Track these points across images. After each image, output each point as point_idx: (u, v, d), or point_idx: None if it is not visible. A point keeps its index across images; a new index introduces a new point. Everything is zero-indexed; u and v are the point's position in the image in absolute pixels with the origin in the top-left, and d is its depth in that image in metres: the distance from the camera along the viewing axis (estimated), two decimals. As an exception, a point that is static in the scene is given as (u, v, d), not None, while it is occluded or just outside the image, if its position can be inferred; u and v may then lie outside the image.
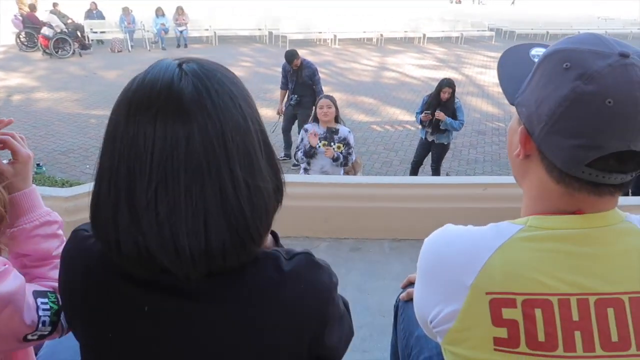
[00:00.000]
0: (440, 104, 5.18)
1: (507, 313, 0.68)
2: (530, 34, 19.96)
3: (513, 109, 0.80)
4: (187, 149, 0.63)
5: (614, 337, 0.67)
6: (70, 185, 4.09)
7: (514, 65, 0.83)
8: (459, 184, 3.17)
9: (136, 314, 0.72)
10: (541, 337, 0.67)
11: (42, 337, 0.91)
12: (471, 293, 0.70)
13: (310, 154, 4.24)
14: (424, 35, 17.74)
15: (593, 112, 0.65)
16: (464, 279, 0.71)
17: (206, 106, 0.64)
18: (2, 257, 0.83)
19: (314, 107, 6.51)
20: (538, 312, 0.67)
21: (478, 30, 18.96)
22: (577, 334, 0.67)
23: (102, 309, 0.74)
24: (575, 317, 0.67)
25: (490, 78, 11.77)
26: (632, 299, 0.68)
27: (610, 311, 0.67)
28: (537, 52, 0.84)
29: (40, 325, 0.88)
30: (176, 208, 0.64)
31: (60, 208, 2.89)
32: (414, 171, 5.87)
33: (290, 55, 6.20)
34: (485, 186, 2.98)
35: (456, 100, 5.27)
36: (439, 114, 5.08)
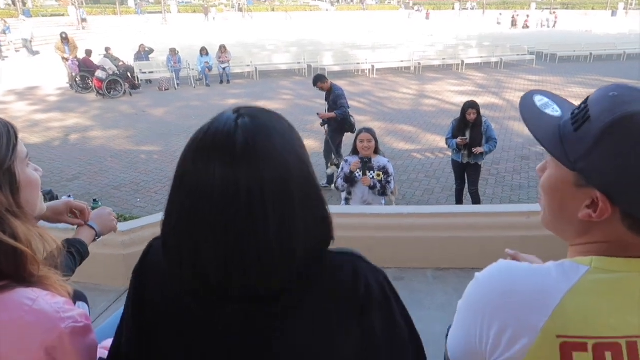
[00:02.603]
0: (469, 126, 5.32)
1: (578, 357, 0.69)
2: (572, 56, 19.59)
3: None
4: (235, 191, 0.74)
5: None
6: (125, 219, 4.30)
7: (538, 120, 0.84)
8: (502, 213, 3.16)
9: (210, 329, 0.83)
10: None
11: None
12: (542, 335, 0.71)
13: (350, 179, 4.31)
14: (462, 61, 17.72)
15: None
16: (535, 320, 0.72)
17: (250, 156, 0.75)
18: (84, 311, 0.92)
19: (342, 131, 6.83)
20: (608, 355, 0.69)
21: (518, 55, 18.76)
22: None
23: (182, 331, 0.85)
24: None
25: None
26: None
27: None
28: (541, 100, 0.87)
29: None
30: (227, 242, 0.76)
31: (116, 242, 3.07)
32: (459, 199, 5.86)
33: (315, 78, 6.93)
34: (528, 214, 2.95)
35: (484, 119, 5.41)
36: (477, 150, 5.31)
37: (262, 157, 0.75)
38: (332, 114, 6.69)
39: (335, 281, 0.84)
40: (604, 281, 0.73)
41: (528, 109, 0.86)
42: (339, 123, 6.76)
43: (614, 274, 0.73)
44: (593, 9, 53.85)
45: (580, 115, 0.76)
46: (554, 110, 0.86)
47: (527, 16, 38.01)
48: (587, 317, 0.70)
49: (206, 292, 0.81)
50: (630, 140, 0.69)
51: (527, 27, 35.49)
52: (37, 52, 21.54)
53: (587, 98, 0.79)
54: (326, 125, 6.93)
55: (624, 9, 49.35)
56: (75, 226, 1.49)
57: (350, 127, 6.81)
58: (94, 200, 6.01)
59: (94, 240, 1.49)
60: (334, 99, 6.71)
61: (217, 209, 0.75)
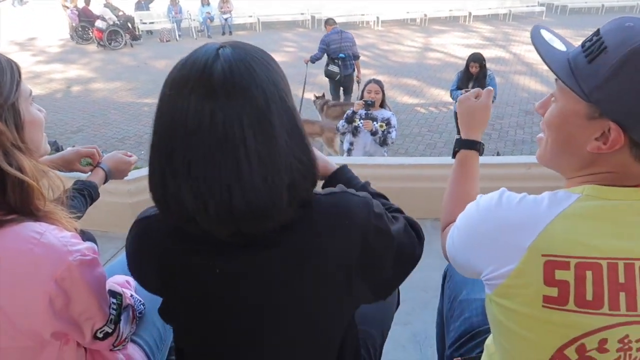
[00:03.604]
0: (472, 79, 5.31)
1: (560, 274, 0.73)
2: (584, 8, 18.97)
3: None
4: (210, 123, 0.72)
5: None
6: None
7: (549, 52, 0.85)
8: (502, 164, 3.19)
9: (207, 275, 0.84)
10: (589, 296, 0.72)
11: (106, 336, 1.00)
12: (528, 254, 0.75)
13: (352, 120, 4.33)
14: (470, 13, 17.21)
15: None
16: (522, 241, 0.76)
17: (227, 88, 0.73)
18: (92, 245, 0.94)
19: (335, 83, 6.93)
20: (589, 274, 0.73)
21: (527, 6, 18.18)
22: (622, 294, 0.73)
23: (179, 280, 0.88)
24: (621, 279, 0.73)
25: (538, 56, 11.30)
26: None
27: None
28: (547, 34, 0.88)
29: (108, 322, 1.00)
30: (207, 177, 0.74)
31: (123, 190, 3.14)
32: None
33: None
34: (528, 165, 2.98)
35: (489, 72, 5.42)
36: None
37: (240, 90, 0.73)
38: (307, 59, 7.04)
39: (321, 223, 0.83)
40: (593, 207, 0.77)
41: (539, 41, 0.86)
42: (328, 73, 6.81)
43: (604, 201, 0.77)
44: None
45: (595, 46, 0.77)
46: (560, 45, 0.87)
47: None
48: (572, 238, 0.75)
49: (192, 229, 0.80)
50: None
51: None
52: (25, 2, 20.90)
53: (598, 30, 0.79)
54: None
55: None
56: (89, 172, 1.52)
57: (329, 75, 6.84)
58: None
59: (105, 181, 1.51)
60: None
61: (193, 137, 0.73)
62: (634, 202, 0.77)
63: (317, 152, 0.97)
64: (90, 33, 13.68)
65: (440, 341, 1.49)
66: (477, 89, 1.23)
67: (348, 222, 0.83)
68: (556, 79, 0.83)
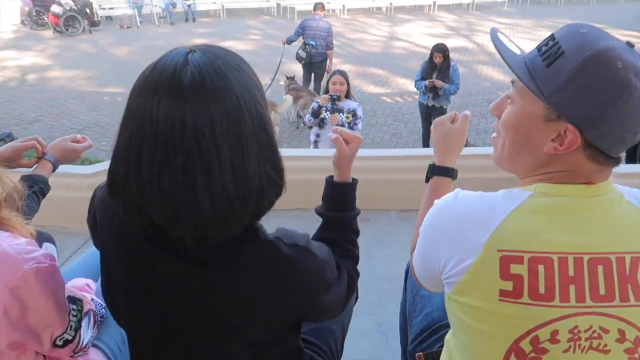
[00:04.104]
0: (436, 69, 5.37)
1: (515, 268, 0.77)
2: (544, -1, 19.49)
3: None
4: (181, 129, 0.71)
5: (602, 291, 0.77)
6: (90, 163, 4.24)
7: (509, 55, 0.86)
8: (466, 155, 3.24)
9: (150, 271, 0.84)
10: (542, 289, 0.76)
11: (66, 343, 0.98)
12: (484, 250, 0.78)
13: (318, 114, 4.34)
14: (435, 2, 17.42)
15: None
16: (479, 236, 0.79)
17: (199, 93, 0.72)
18: (49, 251, 0.92)
19: (306, 68, 7.08)
20: (541, 268, 0.76)
21: (490, -4, 18.56)
22: (572, 287, 0.77)
23: (123, 261, 0.88)
24: (571, 272, 0.77)
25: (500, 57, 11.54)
26: (617, 259, 0.79)
27: (600, 268, 0.78)
28: (503, 37, 0.90)
29: (68, 328, 0.98)
30: (175, 181, 0.73)
31: (83, 185, 3.05)
32: (426, 142, 5.97)
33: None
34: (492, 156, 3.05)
35: (452, 63, 5.47)
36: (438, 82, 5.36)
37: (212, 95, 0.72)
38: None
39: (269, 274, 0.83)
40: (544, 203, 0.81)
41: (499, 43, 0.88)
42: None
43: (554, 198, 0.81)
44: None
45: (553, 50, 0.80)
46: (515, 48, 0.90)
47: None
48: (525, 233, 0.78)
49: (153, 234, 0.80)
50: (604, 73, 0.74)
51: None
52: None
53: (553, 35, 0.82)
54: None
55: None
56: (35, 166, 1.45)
57: (298, 58, 7.08)
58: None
59: (54, 170, 1.46)
60: None
61: (163, 148, 0.72)
62: (583, 198, 0.81)
63: (345, 153, 1.09)
64: (46, 18, 13.13)
65: (403, 335, 1.51)
66: (453, 113, 1.23)
67: (294, 289, 0.85)
68: (512, 81, 0.86)
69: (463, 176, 1.07)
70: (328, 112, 4.34)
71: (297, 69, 7.58)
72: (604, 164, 0.81)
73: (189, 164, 0.72)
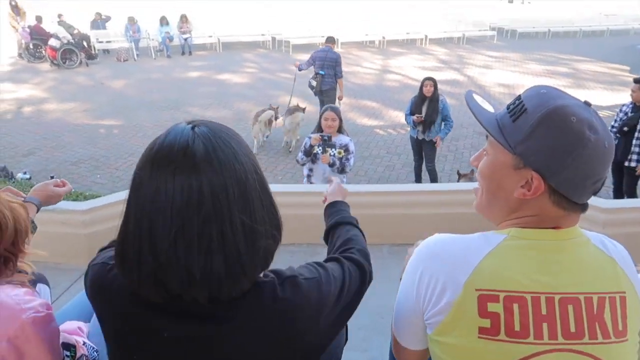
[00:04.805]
0: (426, 100, 5.48)
1: (491, 307, 0.84)
2: (532, 32, 19.97)
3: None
4: (199, 197, 0.77)
5: (572, 328, 0.84)
6: (85, 197, 4.25)
7: (481, 113, 0.97)
8: (454, 190, 3.31)
9: (156, 339, 0.86)
10: (517, 326, 0.82)
11: None
12: (464, 290, 0.85)
13: (310, 152, 4.39)
14: (426, 36, 17.82)
15: (600, 154, 0.85)
16: (459, 276, 0.86)
17: (213, 163, 0.79)
18: (45, 300, 0.94)
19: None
20: (516, 307, 0.83)
21: (480, 30, 19.01)
22: (545, 325, 0.83)
23: (129, 335, 0.89)
24: (543, 311, 0.84)
25: (491, 78, 11.88)
26: (586, 298, 0.86)
27: (570, 307, 0.85)
28: (478, 97, 1.02)
29: None
30: (191, 247, 0.78)
31: (77, 221, 3.07)
32: (418, 175, 6.05)
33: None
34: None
35: (441, 98, 5.55)
36: (436, 140, 5.59)
37: (224, 163, 0.79)
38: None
39: (262, 304, 0.86)
40: (516, 246, 0.89)
41: (473, 104, 1.00)
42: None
43: (525, 241, 0.89)
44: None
45: (517, 108, 0.91)
46: (489, 107, 1.02)
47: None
48: (500, 274, 0.86)
49: (166, 301, 0.82)
50: (560, 127, 0.85)
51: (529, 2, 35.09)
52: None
53: (520, 95, 0.94)
54: None
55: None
56: None
57: (310, 87, 7.62)
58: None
59: (37, 211, 1.53)
60: None
61: (179, 217, 0.77)
62: (551, 241, 0.89)
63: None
64: (43, 51, 13.30)
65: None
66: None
67: (295, 338, 0.88)
68: (487, 136, 0.96)
69: (461, 211, 1.11)
70: (320, 149, 4.40)
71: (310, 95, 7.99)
72: (569, 209, 0.89)
73: (204, 230, 0.78)
